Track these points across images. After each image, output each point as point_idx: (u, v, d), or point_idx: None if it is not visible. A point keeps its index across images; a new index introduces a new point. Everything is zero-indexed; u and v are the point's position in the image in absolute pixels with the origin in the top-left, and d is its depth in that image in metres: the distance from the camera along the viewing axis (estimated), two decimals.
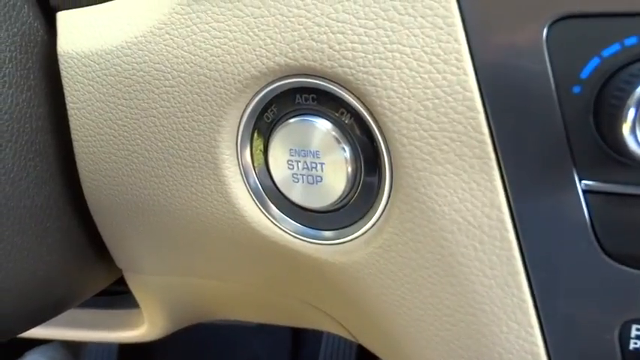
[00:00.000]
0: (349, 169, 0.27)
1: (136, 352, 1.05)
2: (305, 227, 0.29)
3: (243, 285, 0.39)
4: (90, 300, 0.57)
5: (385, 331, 0.29)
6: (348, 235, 0.28)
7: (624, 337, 0.23)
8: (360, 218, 0.28)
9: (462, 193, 0.23)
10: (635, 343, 0.23)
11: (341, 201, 0.28)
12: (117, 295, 0.56)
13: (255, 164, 0.29)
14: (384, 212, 0.26)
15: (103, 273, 0.44)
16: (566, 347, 0.24)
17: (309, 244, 0.29)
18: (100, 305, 0.57)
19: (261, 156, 0.29)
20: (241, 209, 0.30)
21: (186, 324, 0.54)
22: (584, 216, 0.22)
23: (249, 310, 0.50)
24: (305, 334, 1.01)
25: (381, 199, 0.26)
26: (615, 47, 0.20)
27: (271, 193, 0.30)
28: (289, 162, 0.28)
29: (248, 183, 0.30)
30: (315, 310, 0.39)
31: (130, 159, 0.32)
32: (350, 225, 0.28)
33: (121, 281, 0.46)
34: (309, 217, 0.29)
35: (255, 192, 0.30)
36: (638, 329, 0.23)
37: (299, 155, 0.27)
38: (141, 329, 0.52)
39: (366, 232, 0.27)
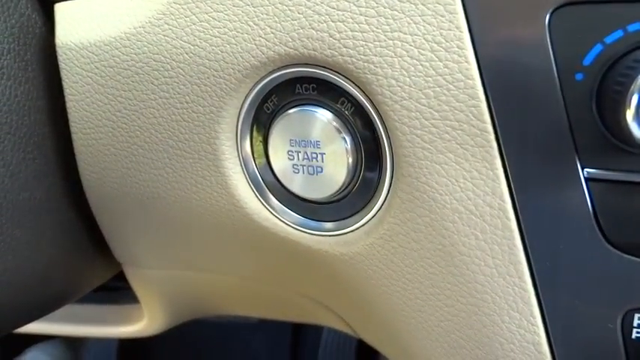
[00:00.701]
0: (350, 160, 0.27)
1: (135, 348, 1.05)
2: (305, 218, 0.29)
3: (243, 278, 0.38)
4: (89, 295, 0.57)
5: (386, 322, 0.29)
6: (349, 226, 0.28)
7: (626, 326, 0.23)
8: (361, 209, 0.28)
9: (463, 182, 0.23)
10: (638, 332, 0.23)
11: (342, 192, 0.27)
12: (116, 291, 0.56)
13: (255, 155, 0.29)
14: (385, 202, 0.26)
15: (103, 267, 0.44)
16: (568, 337, 0.24)
17: (309, 235, 0.29)
18: (100, 301, 0.57)
19: (261, 147, 0.29)
20: (241, 200, 0.30)
21: (185, 319, 0.54)
22: (587, 204, 0.22)
23: (249, 304, 0.50)
24: (304, 332, 1.01)
25: (382, 190, 0.26)
26: (618, 34, 0.20)
27: (271, 185, 0.30)
28: (289, 152, 0.28)
29: (248, 174, 0.30)
30: (316, 304, 0.39)
31: (130, 151, 0.32)
32: (351, 216, 0.28)
33: (121, 277, 0.46)
34: (310, 209, 0.29)
35: (255, 183, 0.30)
36: None
37: (299, 146, 0.27)
38: (140, 324, 0.52)
39: (366, 222, 0.27)
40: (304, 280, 0.34)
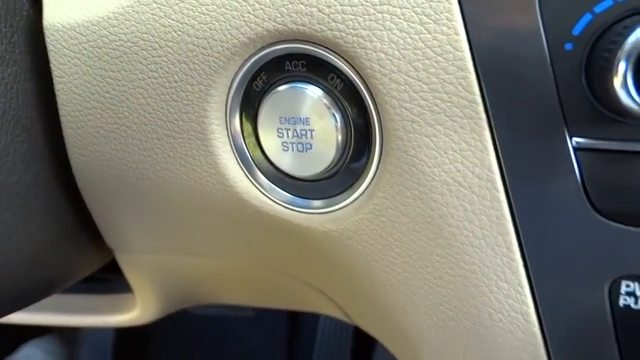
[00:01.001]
0: (339, 136, 0.26)
1: (130, 345, 1.03)
2: (295, 197, 0.28)
3: (235, 262, 0.37)
4: (82, 286, 0.55)
5: (375, 299, 0.29)
6: (339, 203, 0.27)
7: (614, 294, 0.22)
8: (351, 185, 0.27)
9: (452, 154, 0.22)
10: (625, 300, 0.22)
11: (331, 169, 0.27)
12: (110, 281, 0.55)
13: (245, 134, 0.28)
14: (375, 178, 0.26)
15: (94, 254, 0.42)
16: (556, 306, 0.23)
17: (298, 213, 0.28)
18: (93, 291, 0.56)
19: (251, 125, 0.28)
20: (231, 180, 0.29)
21: (179, 307, 0.53)
22: (575, 174, 0.21)
23: (243, 291, 0.49)
24: (301, 325, 1.00)
25: (372, 165, 0.26)
26: (607, 3, 0.20)
27: (261, 163, 0.29)
28: (279, 130, 0.27)
29: (237, 153, 0.29)
30: (310, 288, 0.38)
31: (119, 132, 0.31)
32: (340, 193, 0.27)
33: (115, 269, 0.45)
34: (299, 187, 0.28)
35: (244, 162, 0.29)
36: (627, 285, 0.22)
37: (289, 123, 0.27)
38: (133, 312, 0.51)
39: (356, 199, 0.27)
40: (296, 262, 0.34)
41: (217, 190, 0.30)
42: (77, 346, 1.02)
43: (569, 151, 0.21)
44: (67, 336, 1.01)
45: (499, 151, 0.22)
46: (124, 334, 1.01)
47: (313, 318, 1.01)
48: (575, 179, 0.21)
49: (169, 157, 0.30)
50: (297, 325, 1.03)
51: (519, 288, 0.23)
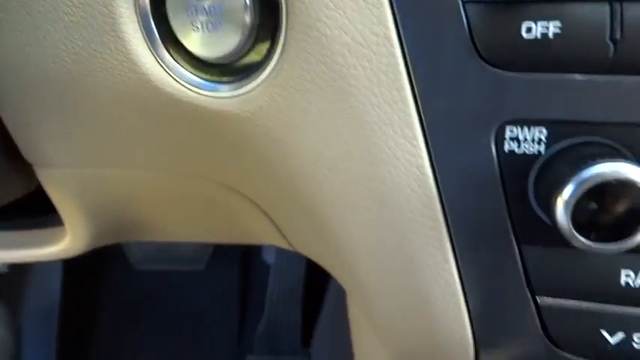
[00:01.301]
0: (248, 13, 0.25)
1: (78, 305, 1.01)
2: (207, 82, 0.28)
3: (156, 172, 0.37)
4: (10, 223, 0.53)
5: (289, 185, 0.29)
6: (251, 83, 0.27)
7: (499, 140, 0.23)
8: (261, 64, 0.27)
9: (351, 13, 0.22)
10: (509, 145, 0.23)
11: (241, 48, 0.26)
12: (42, 216, 0.52)
13: (154, 16, 0.27)
14: (284, 52, 0.25)
15: (15, 174, 0.40)
16: (448, 156, 0.24)
17: (212, 98, 0.28)
18: (22, 228, 0.53)
19: (160, 6, 0.27)
20: (142, 67, 0.28)
21: (112, 239, 0.51)
22: (464, 25, 0.22)
23: (178, 220, 0.48)
24: (252, 278, 1.01)
25: (280, 40, 0.25)
26: None
27: (172, 47, 0.28)
28: (187, 9, 0.26)
29: (148, 38, 0.28)
30: (239, 199, 0.38)
31: (24, 24, 0.29)
32: (252, 73, 0.27)
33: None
34: (212, 70, 0.28)
35: (155, 47, 0.28)
36: (511, 131, 0.23)
37: (197, 0, 0.26)
38: (63, 243, 0.49)
39: (267, 77, 0.26)
40: (213, 158, 0.33)
41: (129, 79, 0.29)
42: (21, 312, 0.98)
43: (458, 3, 0.22)
44: (10, 301, 0.97)
45: (394, 7, 0.22)
46: (70, 297, 0.98)
47: (264, 271, 1.02)
48: (463, 30, 0.22)
49: (79, 48, 0.29)
50: (248, 279, 1.04)
51: (415, 142, 0.24)
